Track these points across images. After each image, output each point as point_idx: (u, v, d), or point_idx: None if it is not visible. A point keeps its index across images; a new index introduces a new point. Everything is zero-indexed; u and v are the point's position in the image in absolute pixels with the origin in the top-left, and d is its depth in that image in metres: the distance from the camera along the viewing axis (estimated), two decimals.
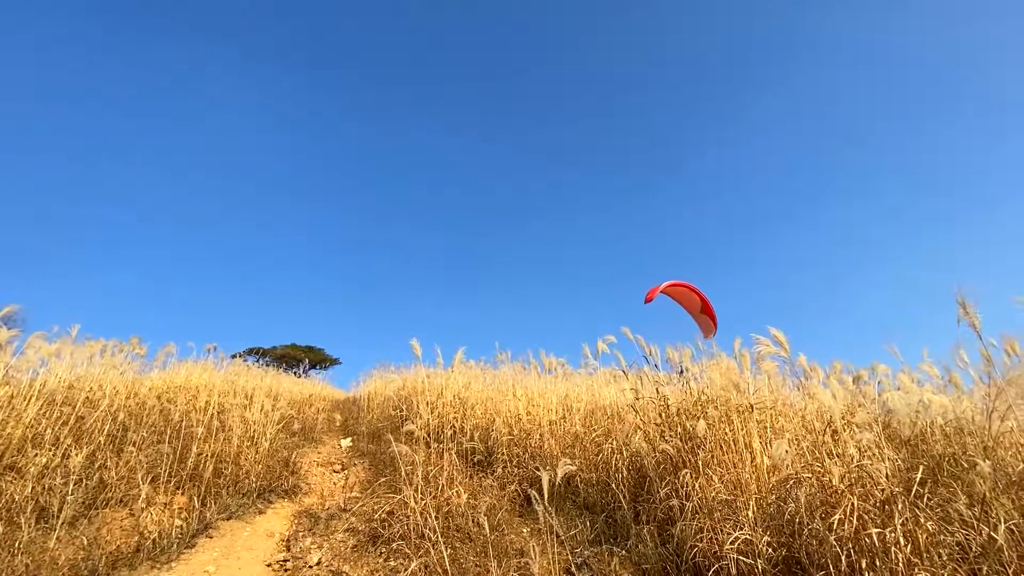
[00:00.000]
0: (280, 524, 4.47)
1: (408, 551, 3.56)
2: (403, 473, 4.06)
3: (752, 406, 3.83)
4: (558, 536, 3.41)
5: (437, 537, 3.44)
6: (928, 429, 3.32)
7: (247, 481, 4.92)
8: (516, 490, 4.99)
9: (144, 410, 5.24)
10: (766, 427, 3.67)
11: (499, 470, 5.36)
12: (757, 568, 2.98)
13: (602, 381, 5.77)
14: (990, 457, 2.77)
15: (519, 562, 3.42)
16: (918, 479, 2.72)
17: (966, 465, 2.80)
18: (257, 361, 11.24)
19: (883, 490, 2.76)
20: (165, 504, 4.21)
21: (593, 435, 4.94)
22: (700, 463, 3.60)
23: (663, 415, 4.25)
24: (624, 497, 4.06)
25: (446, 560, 3.26)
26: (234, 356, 9.99)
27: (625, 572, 3.51)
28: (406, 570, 3.36)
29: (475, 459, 5.61)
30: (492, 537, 3.37)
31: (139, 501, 4.04)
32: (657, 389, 4.40)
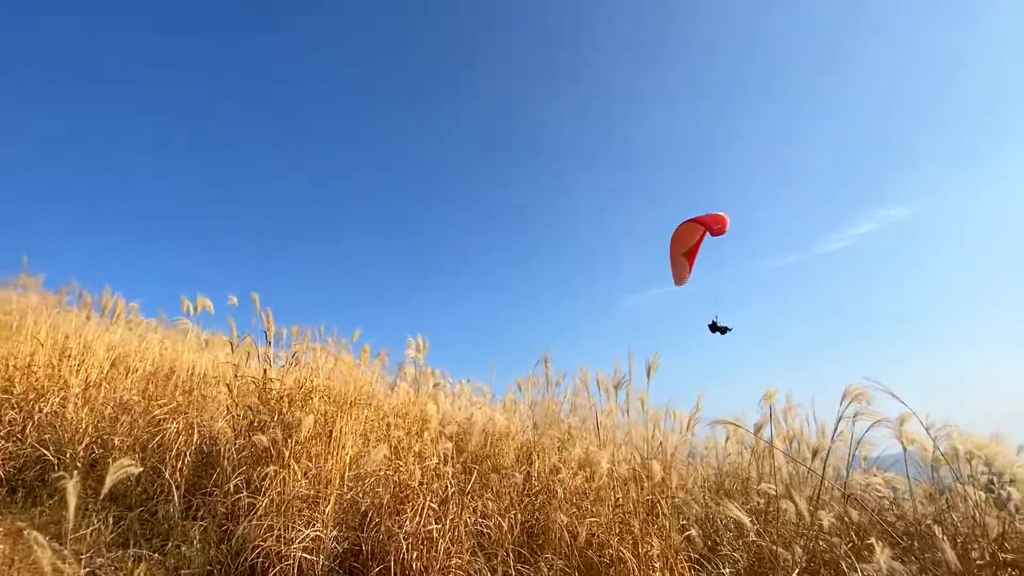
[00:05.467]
0: None
1: None
2: None
3: (355, 402, 3.87)
4: (63, 538, 2.40)
5: None
6: (486, 438, 4.16)
7: None
8: None
9: None
10: (371, 425, 3.76)
11: None
12: (318, 565, 2.92)
13: (193, 345, 4.64)
14: (525, 463, 3.69)
15: None
16: (472, 481, 3.34)
17: (506, 471, 3.62)
18: None
19: (446, 489, 3.24)
20: None
21: (155, 410, 3.86)
22: (290, 456, 3.31)
23: (262, 398, 3.75)
24: (178, 488, 3.29)
25: None
26: None
27: None
28: None
29: None
30: None
31: None
32: (265, 369, 3.88)
